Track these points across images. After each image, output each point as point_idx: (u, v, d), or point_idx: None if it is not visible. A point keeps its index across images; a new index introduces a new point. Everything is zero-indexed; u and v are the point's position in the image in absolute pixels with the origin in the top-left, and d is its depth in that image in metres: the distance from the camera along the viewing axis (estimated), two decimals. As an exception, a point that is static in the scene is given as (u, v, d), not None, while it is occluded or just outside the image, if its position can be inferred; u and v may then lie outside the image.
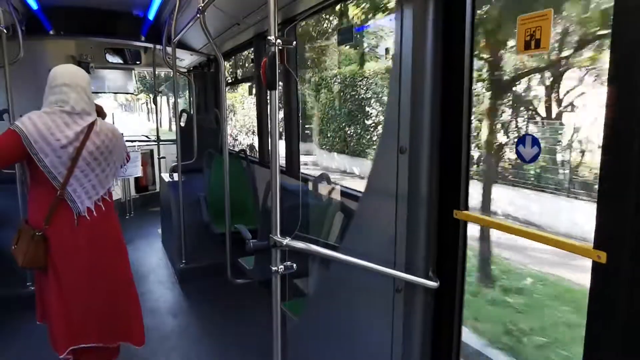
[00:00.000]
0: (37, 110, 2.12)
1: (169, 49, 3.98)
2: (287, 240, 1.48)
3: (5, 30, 3.18)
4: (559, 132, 4.41)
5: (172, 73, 4.16)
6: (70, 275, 2.20)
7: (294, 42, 1.84)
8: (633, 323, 1.08)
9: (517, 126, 4.58)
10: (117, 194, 6.10)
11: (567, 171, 4.32)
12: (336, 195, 2.54)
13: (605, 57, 1.06)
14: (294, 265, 1.51)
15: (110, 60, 5.73)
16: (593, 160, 4.15)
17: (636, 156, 1.02)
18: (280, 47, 1.38)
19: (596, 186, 1.10)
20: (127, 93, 7.60)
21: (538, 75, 4.51)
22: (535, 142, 1.31)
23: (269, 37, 1.38)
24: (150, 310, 3.51)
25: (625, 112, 1.04)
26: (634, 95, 1.02)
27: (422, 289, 1.63)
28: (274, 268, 1.50)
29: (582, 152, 4.23)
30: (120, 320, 2.39)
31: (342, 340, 1.93)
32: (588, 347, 1.18)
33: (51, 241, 2.15)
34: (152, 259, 4.76)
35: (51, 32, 4.67)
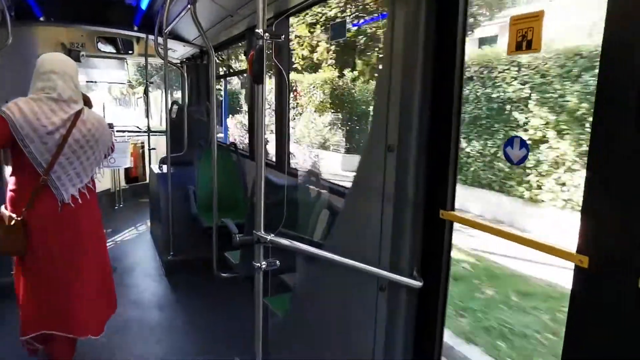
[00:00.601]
0: (23, 97, 2.11)
1: (161, 40, 3.93)
2: (270, 237, 1.46)
3: None
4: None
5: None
6: (49, 263, 2.19)
7: (283, 36, 1.82)
8: (613, 327, 1.08)
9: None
10: (101, 183, 6.03)
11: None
12: (323, 192, 2.52)
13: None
14: (277, 262, 1.50)
15: (102, 50, 5.64)
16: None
17: (620, 164, 1.02)
18: (268, 40, 1.36)
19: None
20: (119, 83, 7.50)
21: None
22: (523, 144, 1.29)
23: (257, 30, 1.36)
24: (136, 302, 3.48)
25: (609, 123, 1.05)
26: (619, 108, 1.02)
27: (405, 288, 1.62)
28: (256, 264, 1.49)
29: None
30: (94, 312, 2.36)
31: (324, 337, 1.92)
32: (567, 349, 1.18)
33: (32, 227, 2.13)
34: (139, 251, 4.72)
35: (41, 19, 4.59)
